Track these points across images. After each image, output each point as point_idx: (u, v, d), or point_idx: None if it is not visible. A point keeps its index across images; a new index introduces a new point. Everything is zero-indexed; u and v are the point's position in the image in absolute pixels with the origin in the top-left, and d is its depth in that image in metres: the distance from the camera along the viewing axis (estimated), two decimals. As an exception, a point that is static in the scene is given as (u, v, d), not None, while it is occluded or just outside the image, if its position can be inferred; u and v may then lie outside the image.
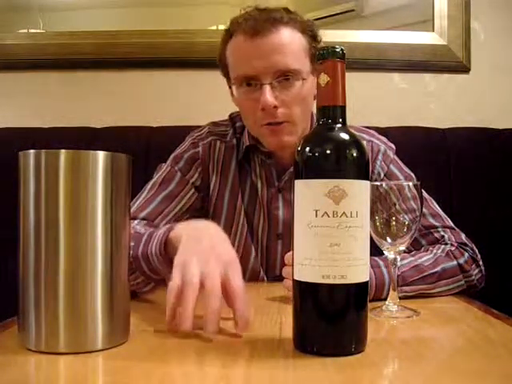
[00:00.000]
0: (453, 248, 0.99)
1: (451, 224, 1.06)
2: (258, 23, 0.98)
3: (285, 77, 0.99)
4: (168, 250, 0.79)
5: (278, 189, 1.11)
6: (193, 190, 1.10)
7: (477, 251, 1.02)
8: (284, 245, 1.10)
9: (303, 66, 1.01)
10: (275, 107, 0.99)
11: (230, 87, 1.08)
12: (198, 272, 0.66)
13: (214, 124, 1.17)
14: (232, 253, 0.73)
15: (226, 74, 1.07)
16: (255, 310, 0.80)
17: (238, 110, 1.12)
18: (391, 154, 1.13)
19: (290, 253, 0.86)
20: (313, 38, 1.04)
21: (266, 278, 1.11)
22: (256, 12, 1.01)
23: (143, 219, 1.03)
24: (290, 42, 0.99)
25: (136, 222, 1.01)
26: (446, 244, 1.00)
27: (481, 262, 1.01)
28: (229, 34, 1.04)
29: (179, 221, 1.05)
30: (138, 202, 1.06)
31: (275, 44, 0.98)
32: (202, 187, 1.11)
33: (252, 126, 1.06)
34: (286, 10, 1.03)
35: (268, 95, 0.97)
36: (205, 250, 0.71)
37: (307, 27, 1.03)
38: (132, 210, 1.02)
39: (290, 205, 1.09)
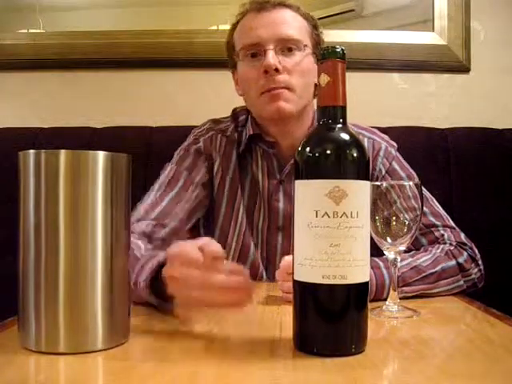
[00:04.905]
0: (452, 247, 0.99)
1: (451, 223, 1.06)
2: (263, 2, 1.06)
3: (287, 47, 1.03)
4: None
5: (279, 181, 1.11)
6: (199, 189, 1.09)
7: (476, 250, 1.02)
8: (284, 237, 1.10)
9: (305, 41, 1.06)
10: (277, 70, 1.01)
11: (234, 74, 1.12)
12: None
13: (214, 121, 1.18)
14: None
15: (231, 58, 1.10)
16: (255, 309, 0.80)
17: (240, 105, 1.13)
18: (393, 152, 1.13)
19: (286, 257, 0.87)
20: (314, 26, 1.09)
21: (265, 273, 1.10)
22: None
23: (153, 220, 1.02)
24: (292, 19, 1.06)
25: (146, 222, 1.00)
26: (445, 243, 1.00)
27: (480, 262, 1.01)
28: (237, 20, 1.10)
29: (190, 220, 1.08)
30: (146, 203, 1.04)
31: (279, 17, 1.05)
32: (208, 183, 1.11)
33: (254, 97, 1.06)
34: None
35: (271, 57, 1.01)
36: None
37: (309, 15, 1.10)
38: (141, 210, 1.02)
39: (290, 197, 1.10)
